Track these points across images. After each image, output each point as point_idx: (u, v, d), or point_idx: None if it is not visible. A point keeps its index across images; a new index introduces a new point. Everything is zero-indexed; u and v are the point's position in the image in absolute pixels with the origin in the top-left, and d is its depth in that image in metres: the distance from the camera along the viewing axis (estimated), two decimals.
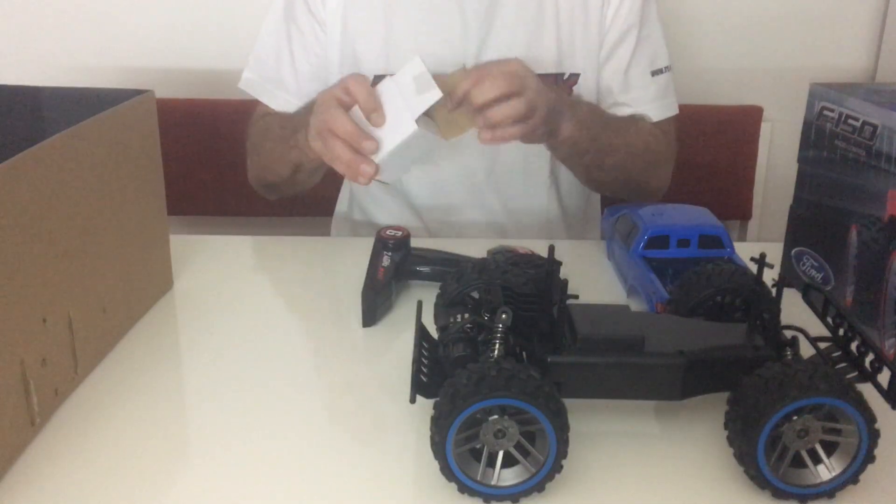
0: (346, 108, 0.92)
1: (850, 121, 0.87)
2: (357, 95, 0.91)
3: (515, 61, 0.95)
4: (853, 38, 1.72)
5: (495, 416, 0.60)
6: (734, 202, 1.66)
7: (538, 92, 0.94)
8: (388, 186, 1.23)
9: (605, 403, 0.74)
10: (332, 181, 1.36)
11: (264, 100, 1.20)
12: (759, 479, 0.62)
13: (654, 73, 1.19)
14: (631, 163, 1.14)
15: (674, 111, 1.21)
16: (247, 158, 1.22)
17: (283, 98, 1.18)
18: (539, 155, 1.20)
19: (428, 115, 0.94)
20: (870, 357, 0.66)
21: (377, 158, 0.92)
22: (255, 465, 0.67)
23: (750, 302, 0.76)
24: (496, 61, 0.96)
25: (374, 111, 0.91)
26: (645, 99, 1.19)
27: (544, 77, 1.15)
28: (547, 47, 1.15)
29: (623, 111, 1.18)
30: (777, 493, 0.63)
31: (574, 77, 1.16)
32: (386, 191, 1.24)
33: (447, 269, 0.83)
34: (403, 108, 0.91)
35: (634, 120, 1.17)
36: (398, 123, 0.92)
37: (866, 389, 0.63)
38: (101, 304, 0.80)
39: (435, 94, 0.91)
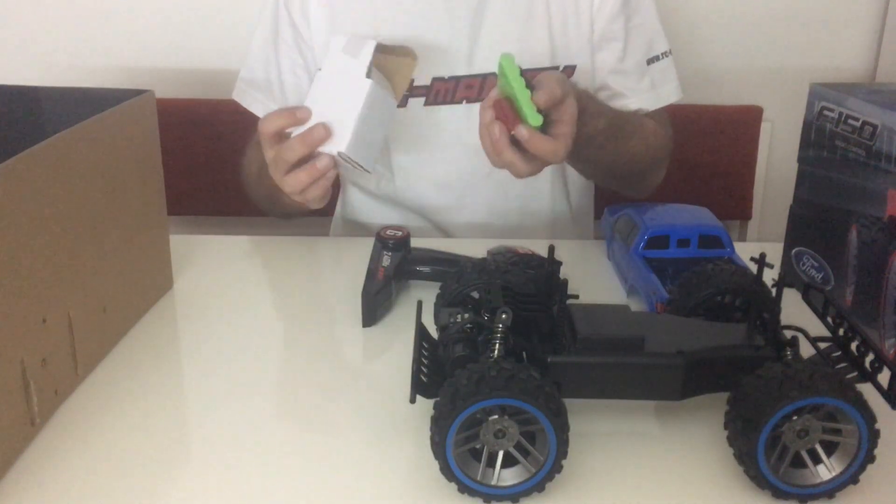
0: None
1: (850, 121, 0.87)
2: (269, 126, 0.96)
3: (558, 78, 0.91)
4: (853, 39, 1.72)
5: (495, 416, 0.60)
6: (734, 202, 1.66)
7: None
8: (375, 179, 1.23)
9: (605, 403, 0.74)
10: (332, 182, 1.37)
11: (250, 106, 1.19)
12: (759, 480, 0.62)
13: (651, 60, 1.18)
14: (632, 168, 1.14)
15: (674, 97, 1.20)
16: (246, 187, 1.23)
17: (266, 105, 1.17)
18: None
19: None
20: (870, 357, 0.66)
21: (348, 134, 0.92)
22: (255, 465, 0.67)
23: (750, 302, 0.76)
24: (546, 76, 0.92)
25: (294, 113, 0.95)
26: (640, 90, 1.18)
27: (538, 72, 1.15)
28: (539, 40, 1.14)
29: (620, 102, 1.17)
30: (777, 493, 0.63)
31: (569, 69, 1.16)
32: (382, 193, 1.24)
33: (447, 269, 0.83)
34: (349, 79, 0.93)
35: (640, 122, 1.15)
36: (352, 93, 0.93)
37: (866, 389, 0.63)
38: (101, 304, 0.80)
39: (370, 45, 0.94)
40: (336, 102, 0.94)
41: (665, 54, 1.19)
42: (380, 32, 1.13)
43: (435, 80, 1.15)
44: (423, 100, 1.15)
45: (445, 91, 1.15)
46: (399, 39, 1.13)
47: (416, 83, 1.14)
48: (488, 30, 1.13)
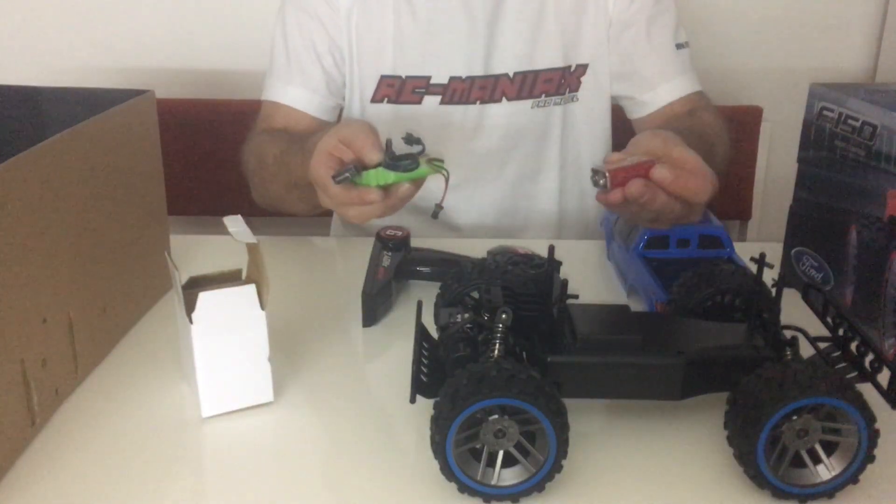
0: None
1: (850, 121, 0.87)
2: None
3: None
4: (853, 39, 1.72)
5: (495, 416, 0.60)
6: (734, 202, 1.66)
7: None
8: None
9: (605, 403, 0.74)
10: None
11: (276, 97, 1.16)
12: (758, 479, 0.62)
13: (679, 46, 1.18)
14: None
15: (698, 86, 1.19)
16: (248, 180, 1.18)
17: (295, 93, 1.16)
18: (547, 158, 1.20)
19: None
20: (869, 357, 0.66)
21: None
22: (253, 464, 0.67)
23: (750, 302, 0.76)
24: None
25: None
26: (673, 72, 1.17)
27: (550, 73, 1.15)
28: (550, 41, 1.14)
29: (658, 90, 1.16)
30: (777, 492, 0.63)
31: (581, 68, 1.16)
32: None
33: (447, 269, 0.83)
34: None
35: (714, 128, 1.11)
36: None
37: (866, 389, 0.63)
38: (101, 304, 0.80)
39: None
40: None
41: (687, 44, 1.19)
42: (400, 26, 1.13)
43: (452, 79, 1.15)
44: (438, 98, 1.15)
45: (462, 91, 1.15)
46: (419, 33, 1.12)
47: (433, 81, 1.15)
48: (502, 30, 1.14)
